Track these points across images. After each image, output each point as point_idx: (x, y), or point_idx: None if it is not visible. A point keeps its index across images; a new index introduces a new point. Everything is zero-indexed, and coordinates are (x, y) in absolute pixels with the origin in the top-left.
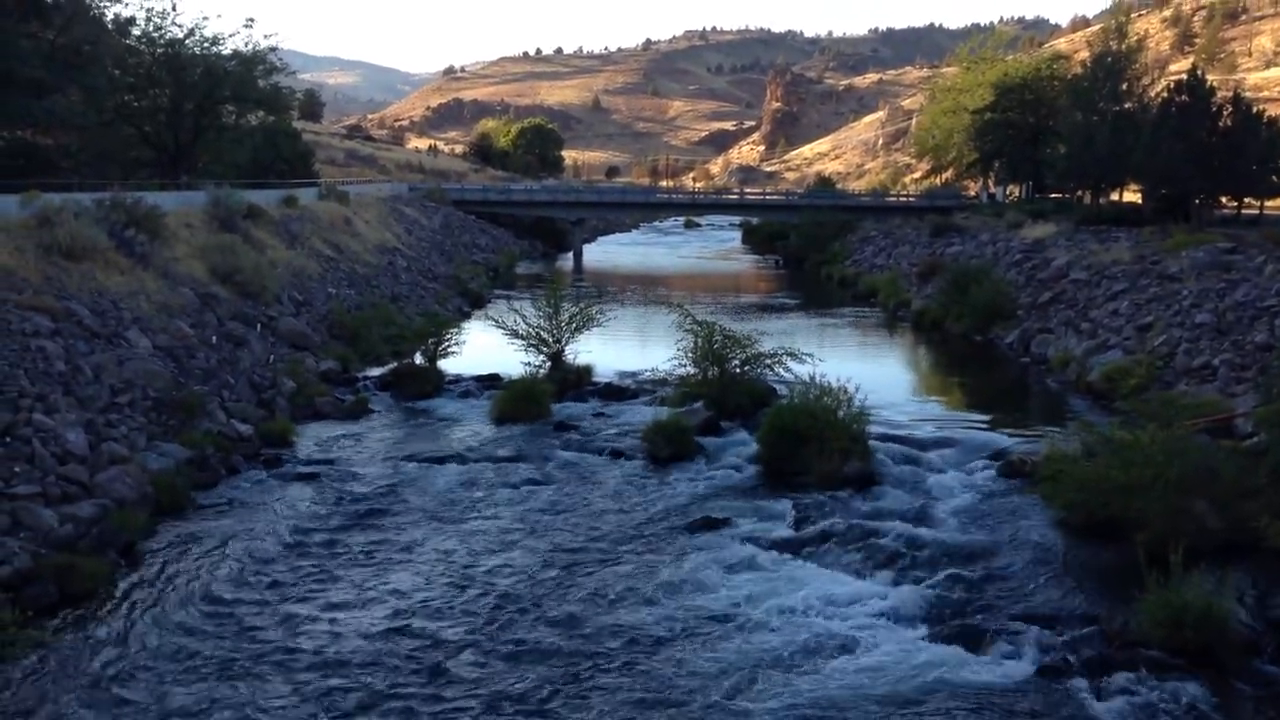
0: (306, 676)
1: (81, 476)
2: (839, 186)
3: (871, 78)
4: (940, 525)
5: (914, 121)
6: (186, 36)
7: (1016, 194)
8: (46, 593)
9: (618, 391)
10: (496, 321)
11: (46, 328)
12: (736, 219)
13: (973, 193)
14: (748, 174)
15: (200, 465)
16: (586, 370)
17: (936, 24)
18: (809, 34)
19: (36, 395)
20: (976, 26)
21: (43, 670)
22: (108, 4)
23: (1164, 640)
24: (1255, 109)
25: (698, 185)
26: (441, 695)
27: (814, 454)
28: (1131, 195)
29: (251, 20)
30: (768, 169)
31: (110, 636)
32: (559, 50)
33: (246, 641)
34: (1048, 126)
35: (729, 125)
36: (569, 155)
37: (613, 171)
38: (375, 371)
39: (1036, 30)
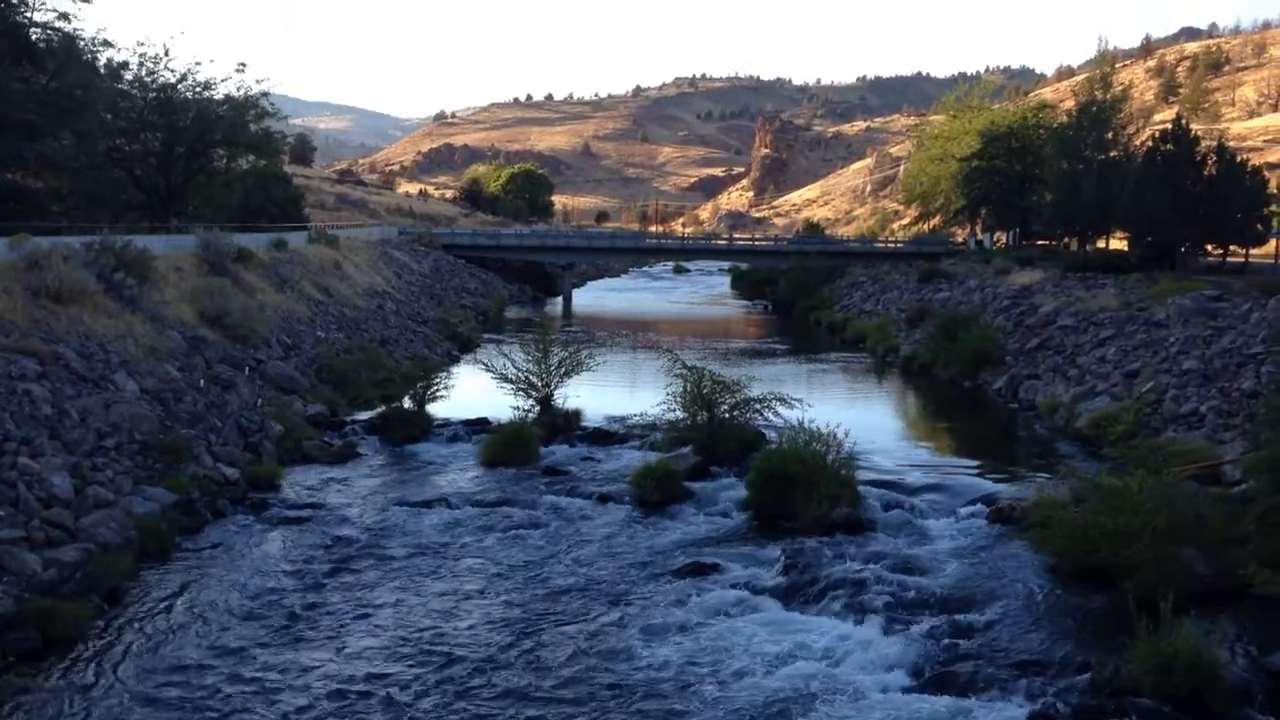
0: None
1: (66, 520)
2: (827, 232)
3: (859, 125)
4: (929, 571)
5: (902, 168)
6: (179, 81)
7: (1004, 241)
8: (29, 638)
9: (607, 436)
10: (485, 365)
11: (33, 371)
12: (726, 264)
13: (960, 239)
14: (737, 220)
15: (186, 509)
16: (575, 415)
17: (923, 73)
18: (798, 81)
19: (22, 439)
20: (963, 75)
21: (24, 717)
22: (100, 49)
23: (1154, 687)
24: (1239, 158)
25: (687, 231)
26: None
27: (803, 499)
28: (1118, 242)
29: (243, 65)
30: (756, 215)
31: (93, 682)
32: (549, 96)
33: (230, 689)
34: (1034, 174)
35: (718, 171)
36: (559, 200)
37: (602, 217)
38: (363, 415)
39: (1022, 79)
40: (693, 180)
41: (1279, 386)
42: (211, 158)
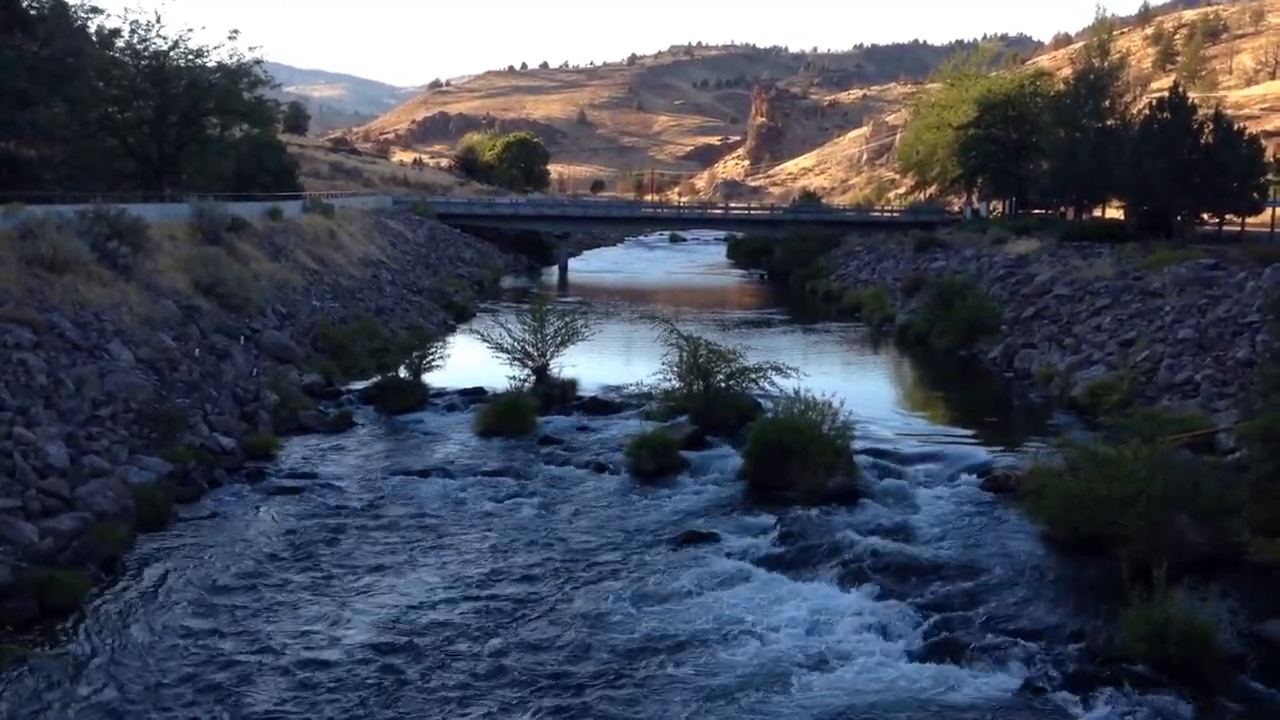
0: (286, 692)
1: (62, 490)
2: (823, 201)
3: (856, 93)
4: (924, 540)
5: (898, 137)
6: (171, 48)
7: (1000, 210)
8: (26, 607)
9: (602, 406)
10: (481, 335)
11: (28, 340)
12: (721, 234)
13: (957, 208)
14: (733, 189)
15: (182, 479)
16: (571, 384)
17: (920, 40)
18: (794, 49)
19: (17, 408)
20: (960, 43)
21: (22, 685)
22: (91, 16)
23: (1147, 655)
24: (1236, 126)
25: (683, 200)
26: (421, 712)
27: (799, 469)
28: (1114, 211)
29: (236, 32)
30: (752, 184)
31: (90, 651)
32: (544, 65)
33: (227, 657)
34: (1031, 143)
35: (714, 140)
36: (554, 169)
37: (598, 186)
38: (359, 385)
39: (1019, 47)
40: (688, 149)
41: (1274, 355)
42: (205, 126)
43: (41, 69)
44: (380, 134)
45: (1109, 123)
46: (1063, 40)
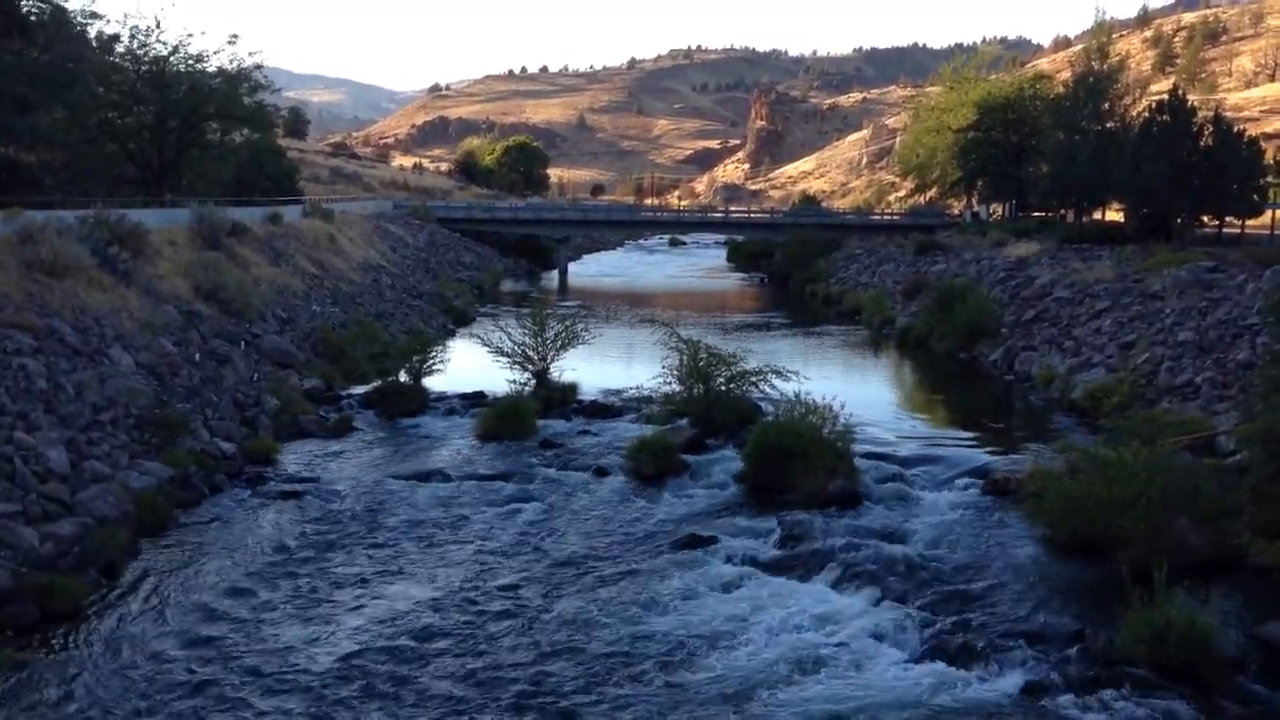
0: (287, 697)
1: (63, 495)
2: (823, 205)
3: (855, 96)
4: (925, 543)
5: (898, 140)
6: (170, 54)
7: (1000, 213)
8: (27, 612)
9: (603, 409)
10: (481, 339)
11: (28, 345)
12: (721, 237)
13: (957, 211)
14: (733, 192)
15: (183, 484)
16: (571, 388)
17: (920, 43)
18: (793, 53)
19: (18, 413)
20: (959, 46)
21: (22, 690)
22: (91, 21)
23: (1147, 658)
24: (1236, 128)
25: (683, 204)
26: (422, 715)
27: (799, 472)
28: (1114, 214)
29: (235, 37)
30: (752, 187)
31: (91, 656)
32: (544, 69)
33: (227, 662)
34: (1031, 145)
35: (714, 144)
36: (554, 173)
37: (598, 190)
38: (360, 389)
39: (1019, 50)
40: (688, 153)
41: (1274, 357)
42: (205, 131)
43: (41, 74)
44: (380, 138)
45: (1109, 125)
46: (1062, 43)
